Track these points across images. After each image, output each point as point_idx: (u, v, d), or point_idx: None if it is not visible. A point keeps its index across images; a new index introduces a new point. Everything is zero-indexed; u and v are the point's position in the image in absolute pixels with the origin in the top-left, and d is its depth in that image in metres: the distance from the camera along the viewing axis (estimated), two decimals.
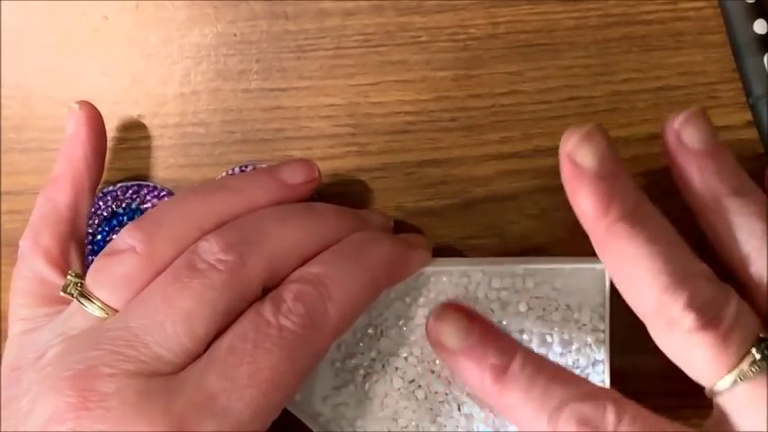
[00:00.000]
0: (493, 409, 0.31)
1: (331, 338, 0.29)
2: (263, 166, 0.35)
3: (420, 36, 0.34)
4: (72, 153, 0.33)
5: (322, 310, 0.28)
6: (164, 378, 0.27)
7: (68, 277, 0.30)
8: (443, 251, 0.35)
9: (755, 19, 0.32)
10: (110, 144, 0.35)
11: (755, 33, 0.32)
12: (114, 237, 0.36)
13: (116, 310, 0.28)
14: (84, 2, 0.35)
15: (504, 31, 0.34)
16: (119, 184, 0.36)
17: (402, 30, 0.34)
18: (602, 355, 0.32)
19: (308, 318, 0.28)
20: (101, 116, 0.34)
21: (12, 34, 0.36)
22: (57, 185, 0.33)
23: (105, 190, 0.36)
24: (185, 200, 0.31)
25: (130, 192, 0.36)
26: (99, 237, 0.36)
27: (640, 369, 0.32)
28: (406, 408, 0.32)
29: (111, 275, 0.29)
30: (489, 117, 0.34)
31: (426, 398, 0.32)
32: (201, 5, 0.35)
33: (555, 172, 0.34)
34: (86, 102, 0.34)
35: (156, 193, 0.36)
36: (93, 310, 0.28)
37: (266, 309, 0.28)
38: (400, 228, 0.35)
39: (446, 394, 0.32)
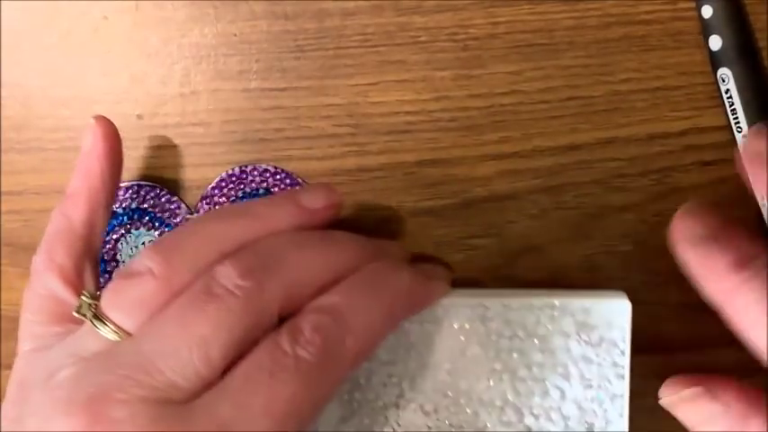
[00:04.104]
0: (722, 311, 0.29)
1: (349, 370, 0.28)
2: (264, 166, 0.35)
3: (420, 36, 0.34)
4: (88, 169, 0.32)
5: (340, 341, 0.28)
6: (177, 405, 0.26)
7: (83, 298, 0.29)
8: (443, 250, 0.35)
9: (710, 35, 0.32)
10: None
11: (710, 49, 0.32)
12: (113, 237, 0.36)
13: (130, 334, 0.28)
14: (84, 2, 0.35)
15: (504, 31, 0.34)
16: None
17: (402, 30, 0.34)
18: (621, 389, 0.31)
19: (326, 349, 0.27)
20: (117, 132, 0.33)
21: (12, 34, 0.36)
22: (72, 201, 0.32)
23: None
24: (205, 223, 0.30)
25: (130, 192, 0.36)
26: None
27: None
28: None
29: (126, 298, 0.28)
30: (489, 117, 0.34)
31: (439, 425, 0.32)
32: (201, 5, 0.35)
33: (554, 172, 0.34)
34: (103, 117, 0.33)
35: (155, 193, 0.36)
36: (106, 332, 0.28)
37: (283, 339, 0.27)
38: (400, 228, 0.35)
39: (460, 425, 0.32)
